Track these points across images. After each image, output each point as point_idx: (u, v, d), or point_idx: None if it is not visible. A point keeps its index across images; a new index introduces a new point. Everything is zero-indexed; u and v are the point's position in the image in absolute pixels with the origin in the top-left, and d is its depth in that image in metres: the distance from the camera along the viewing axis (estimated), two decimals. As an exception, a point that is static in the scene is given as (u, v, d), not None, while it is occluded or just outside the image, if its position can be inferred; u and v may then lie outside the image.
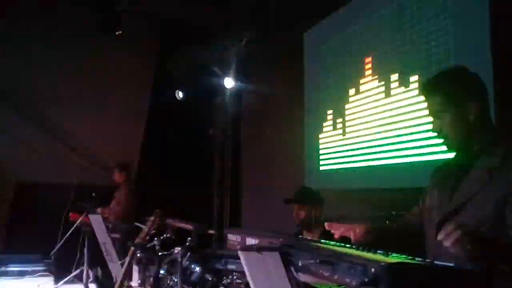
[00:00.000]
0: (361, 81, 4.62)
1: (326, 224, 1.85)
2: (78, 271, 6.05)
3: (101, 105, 7.37)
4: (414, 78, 3.90)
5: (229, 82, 7.40)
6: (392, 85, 4.17)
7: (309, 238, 2.32)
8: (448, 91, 1.82)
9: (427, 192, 2.01)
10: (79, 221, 5.50)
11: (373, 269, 1.16)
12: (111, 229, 4.92)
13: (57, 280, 5.86)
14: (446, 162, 2.00)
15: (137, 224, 3.12)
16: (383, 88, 4.30)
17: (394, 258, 1.26)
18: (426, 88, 1.92)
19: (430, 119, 1.92)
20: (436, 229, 1.79)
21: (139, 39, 7.60)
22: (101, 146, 7.32)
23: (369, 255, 1.32)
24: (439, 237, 1.37)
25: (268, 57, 7.03)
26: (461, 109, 1.79)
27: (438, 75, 1.95)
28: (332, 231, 1.84)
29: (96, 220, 3.09)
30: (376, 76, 4.41)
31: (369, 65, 4.53)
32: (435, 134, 1.89)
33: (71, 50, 7.12)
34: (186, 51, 7.73)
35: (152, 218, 2.38)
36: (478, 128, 1.79)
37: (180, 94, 7.58)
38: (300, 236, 2.38)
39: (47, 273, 6.47)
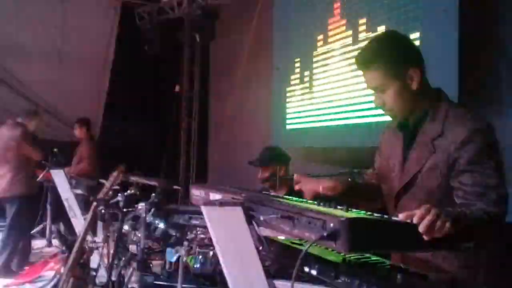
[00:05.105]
0: (330, 33, 4.60)
1: (295, 176, 1.83)
2: (40, 226, 6.02)
3: (63, 59, 7.12)
4: (381, 28, 3.88)
5: (197, 37, 7.22)
6: (360, 35, 4.16)
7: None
8: (387, 63, 1.70)
9: (378, 156, 1.99)
10: (41, 176, 5.41)
11: (331, 224, 1.19)
12: (74, 184, 4.86)
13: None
14: (392, 124, 1.91)
15: (101, 180, 3.08)
16: (350, 40, 4.30)
17: (353, 214, 1.29)
18: (363, 63, 1.77)
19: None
20: (395, 201, 1.81)
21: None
22: (63, 100, 7.11)
23: (329, 210, 1.34)
24: (415, 220, 1.32)
25: (237, 12, 6.88)
26: (403, 80, 1.70)
27: (371, 46, 1.79)
28: (299, 187, 1.81)
29: (58, 175, 3.02)
30: (344, 23, 4.40)
31: (338, 14, 4.50)
32: (379, 108, 1.80)
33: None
34: (154, 3, 7.49)
35: (114, 173, 2.35)
36: (420, 93, 1.73)
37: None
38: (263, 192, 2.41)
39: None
